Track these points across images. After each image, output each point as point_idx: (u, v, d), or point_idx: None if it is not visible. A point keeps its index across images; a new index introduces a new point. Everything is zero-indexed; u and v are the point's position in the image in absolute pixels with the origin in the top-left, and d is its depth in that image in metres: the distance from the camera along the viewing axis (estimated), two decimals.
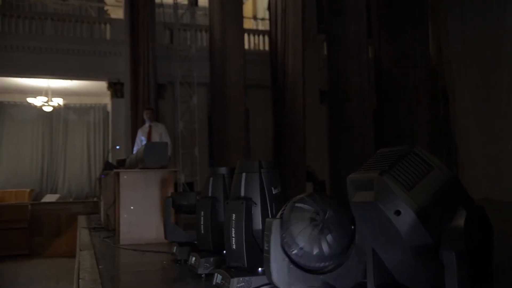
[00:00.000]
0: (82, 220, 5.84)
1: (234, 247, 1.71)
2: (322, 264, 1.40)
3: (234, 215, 1.72)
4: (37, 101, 12.83)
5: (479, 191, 9.78)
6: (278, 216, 1.47)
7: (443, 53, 12.44)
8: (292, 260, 1.40)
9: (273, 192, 1.77)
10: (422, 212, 0.98)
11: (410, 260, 1.04)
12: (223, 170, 2.24)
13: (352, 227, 1.39)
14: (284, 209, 1.47)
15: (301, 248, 1.38)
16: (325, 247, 1.35)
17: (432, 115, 12.40)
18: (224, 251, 1.83)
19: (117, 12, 14.07)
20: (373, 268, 1.17)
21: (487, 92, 10.90)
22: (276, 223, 1.41)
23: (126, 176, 3.63)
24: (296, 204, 1.43)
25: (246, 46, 13.01)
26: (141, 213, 3.56)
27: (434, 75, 12.60)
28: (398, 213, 0.99)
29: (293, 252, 1.39)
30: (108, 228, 4.46)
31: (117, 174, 3.79)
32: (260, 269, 1.70)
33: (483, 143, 10.96)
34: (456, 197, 1.02)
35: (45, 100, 12.87)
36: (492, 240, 0.99)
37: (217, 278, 1.77)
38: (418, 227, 0.98)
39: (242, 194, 1.77)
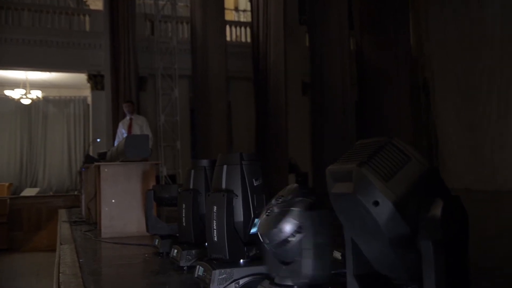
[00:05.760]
0: (62, 214, 5.79)
1: (215, 239, 1.72)
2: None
3: (215, 207, 1.72)
4: (15, 93, 12.60)
5: (460, 181, 9.97)
6: (266, 212, 1.43)
7: (423, 44, 12.57)
8: None
9: (255, 184, 1.78)
10: (400, 203, 0.99)
11: (389, 250, 1.05)
12: (204, 162, 2.24)
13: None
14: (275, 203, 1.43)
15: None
16: None
17: (414, 106, 12.56)
18: (206, 243, 1.83)
19: (96, 3, 13.82)
20: (352, 259, 1.18)
21: (467, 83, 11.06)
22: (321, 214, 1.29)
23: (107, 169, 3.61)
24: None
25: (228, 38, 12.95)
26: (122, 206, 3.54)
27: (415, 66, 12.74)
28: (376, 203, 1.00)
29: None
30: (89, 222, 4.43)
31: (98, 167, 3.76)
32: (242, 260, 1.70)
33: (463, 134, 11.14)
34: (433, 188, 1.03)
35: (23, 93, 12.65)
36: (468, 230, 1.00)
37: (199, 270, 1.77)
38: (396, 217, 1.00)
39: (224, 186, 1.77)
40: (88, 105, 13.64)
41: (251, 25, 13.09)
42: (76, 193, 10.42)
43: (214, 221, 1.72)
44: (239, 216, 1.73)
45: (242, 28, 13.88)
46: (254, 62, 12.64)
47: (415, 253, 1.00)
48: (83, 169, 5.32)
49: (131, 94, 11.09)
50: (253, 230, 1.74)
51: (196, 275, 1.78)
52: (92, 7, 13.64)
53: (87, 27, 12.37)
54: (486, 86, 10.66)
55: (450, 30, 11.45)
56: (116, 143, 7.29)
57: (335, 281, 1.43)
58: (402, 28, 12.47)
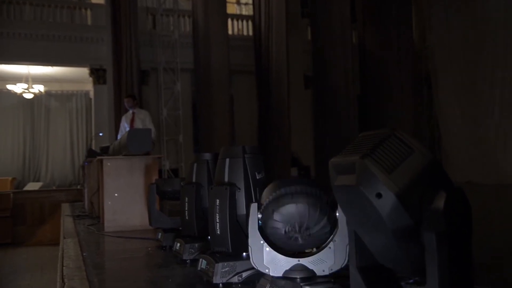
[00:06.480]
0: (65, 208, 5.82)
1: (218, 232, 1.72)
2: (299, 245, 1.40)
3: (218, 200, 1.72)
4: (17, 88, 12.59)
5: (462, 175, 9.95)
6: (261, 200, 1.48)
7: (426, 38, 12.51)
8: (270, 243, 1.42)
9: (257, 177, 1.78)
10: (403, 195, 0.99)
11: (392, 242, 1.05)
12: (207, 156, 2.24)
13: (337, 213, 1.40)
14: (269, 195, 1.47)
15: (277, 229, 1.39)
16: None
17: (416, 100, 12.52)
18: (209, 237, 1.83)
19: None
20: (355, 251, 1.18)
21: (470, 77, 11.02)
22: (254, 206, 1.44)
23: (109, 163, 3.61)
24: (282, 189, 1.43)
25: (230, 32, 12.91)
26: (125, 200, 3.55)
27: (417, 60, 12.69)
28: (379, 196, 1.00)
29: (270, 234, 1.41)
30: (92, 216, 4.44)
31: (101, 161, 3.77)
32: (244, 253, 1.71)
33: (466, 128, 11.11)
34: (436, 180, 1.03)
35: (26, 87, 12.64)
36: (471, 222, 1.00)
37: (202, 264, 1.77)
38: (399, 209, 0.99)
39: (226, 179, 1.77)
40: (90, 99, 13.64)
41: (253, 18, 13.04)
42: (79, 187, 10.42)
43: (217, 214, 1.72)
44: (242, 209, 1.73)
45: (244, 22, 13.83)
46: (256, 56, 12.61)
47: (418, 245, 1.00)
48: (86, 163, 5.33)
49: (133, 88, 11.08)
50: None
51: (199, 268, 1.78)
52: (94, 1, 13.60)
53: (89, 21, 12.35)
54: (489, 79, 10.61)
55: (453, 23, 11.38)
56: (119, 137, 7.30)
57: (338, 274, 1.43)
58: (405, 22, 12.40)
